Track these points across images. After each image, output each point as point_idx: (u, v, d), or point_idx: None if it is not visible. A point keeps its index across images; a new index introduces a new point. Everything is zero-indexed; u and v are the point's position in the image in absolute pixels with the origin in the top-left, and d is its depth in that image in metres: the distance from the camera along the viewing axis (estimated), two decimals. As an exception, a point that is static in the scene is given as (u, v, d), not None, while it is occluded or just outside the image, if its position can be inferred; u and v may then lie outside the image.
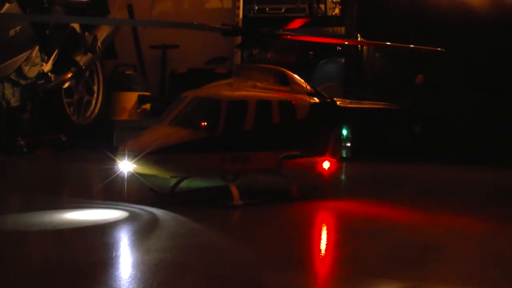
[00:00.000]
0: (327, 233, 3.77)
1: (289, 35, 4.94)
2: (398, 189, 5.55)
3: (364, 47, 8.51)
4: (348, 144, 8.02)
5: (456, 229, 3.73)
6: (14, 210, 4.17)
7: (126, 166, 4.03)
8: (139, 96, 10.03)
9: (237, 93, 4.41)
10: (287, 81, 4.78)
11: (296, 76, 4.89)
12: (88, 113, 9.42)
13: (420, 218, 4.11)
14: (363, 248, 3.22)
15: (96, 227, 3.53)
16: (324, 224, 4.12)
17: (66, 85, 8.59)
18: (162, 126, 4.24)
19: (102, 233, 3.38)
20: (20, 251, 3.04)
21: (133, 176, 4.15)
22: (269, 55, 9.87)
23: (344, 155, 7.85)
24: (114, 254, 2.94)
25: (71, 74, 8.43)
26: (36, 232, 3.42)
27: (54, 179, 5.88)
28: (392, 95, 5.92)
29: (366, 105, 5.42)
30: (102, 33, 9.06)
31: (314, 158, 4.58)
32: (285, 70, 4.87)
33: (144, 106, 10.08)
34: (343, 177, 6.29)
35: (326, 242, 3.49)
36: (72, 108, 8.96)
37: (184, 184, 4.62)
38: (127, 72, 10.18)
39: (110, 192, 4.66)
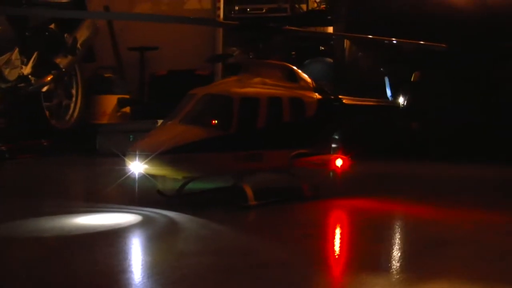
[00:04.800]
0: (352, 232, 3.65)
1: (295, 31, 4.83)
2: (404, 186, 5.45)
3: (348, 46, 8.48)
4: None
5: (475, 225, 3.63)
6: (11, 218, 3.86)
7: (137, 167, 3.85)
8: (118, 99, 9.82)
9: (248, 89, 4.27)
10: (294, 77, 4.67)
11: (302, 72, 4.79)
12: (67, 117, 9.15)
13: (440, 214, 4.01)
14: (389, 246, 3.11)
15: (115, 232, 3.34)
16: (344, 223, 4.00)
17: (45, 88, 8.33)
18: (173, 125, 4.05)
19: (127, 238, 3.20)
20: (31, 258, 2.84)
21: (135, 178, 3.95)
22: (251, 56, 9.74)
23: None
24: (146, 260, 2.78)
25: (52, 77, 8.17)
26: (42, 238, 3.21)
27: (48, 184, 5.61)
28: (383, 93, 5.86)
29: (367, 102, 5.34)
30: (82, 34, 8.82)
31: (327, 155, 4.46)
32: (291, 66, 4.76)
33: (124, 109, 9.87)
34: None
35: (353, 241, 3.36)
36: (51, 112, 8.69)
37: (188, 186, 4.44)
38: (106, 75, 9.93)
39: (119, 195, 4.47)
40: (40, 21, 7.99)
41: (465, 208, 4.21)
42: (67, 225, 3.50)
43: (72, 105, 9.22)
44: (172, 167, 3.88)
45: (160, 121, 7.88)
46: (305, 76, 4.78)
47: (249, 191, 4.13)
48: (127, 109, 9.89)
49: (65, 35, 8.46)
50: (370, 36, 5.44)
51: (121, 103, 9.81)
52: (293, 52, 9.81)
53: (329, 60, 9.06)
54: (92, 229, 3.40)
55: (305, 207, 4.22)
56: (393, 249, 3.07)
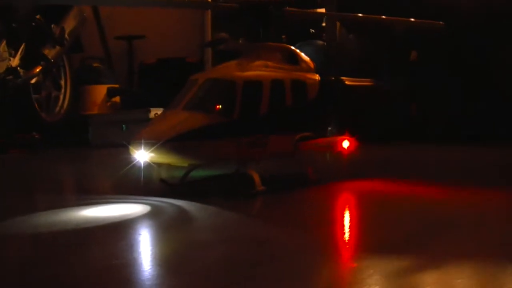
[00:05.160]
0: (360, 216, 3.58)
1: (296, 13, 4.76)
2: (404, 169, 5.37)
3: (339, 28, 8.40)
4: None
5: (480, 208, 3.58)
6: (19, 213, 3.75)
7: (142, 155, 3.75)
8: (108, 89, 9.68)
9: (251, 73, 4.17)
10: (295, 59, 4.59)
11: (302, 54, 4.71)
12: (57, 109, 8.97)
13: (446, 196, 3.95)
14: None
15: (125, 224, 3.25)
16: (352, 207, 3.93)
17: (34, 80, 8.17)
18: (176, 112, 3.93)
19: (136, 230, 3.12)
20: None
21: (140, 167, 3.85)
22: (240, 41, 9.64)
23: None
24: (157, 252, 2.70)
25: (41, 68, 8.02)
26: (51, 232, 3.11)
27: (50, 179, 5.44)
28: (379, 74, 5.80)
29: (366, 82, 5.27)
30: (69, 24, 8.66)
31: (333, 137, 4.39)
32: (292, 47, 4.68)
33: (114, 99, 9.74)
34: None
35: (363, 225, 3.30)
36: (40, 105, 8.52)
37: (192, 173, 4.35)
38: (94, 65, 9.79)
39: (126, 185, 4.37)
40: (26, 12, 7.82)
41: (469, 191, 4.14)
42: (75, 218, 3.41)
43: (61, 96, 9.04)
44: (177, 155, 3.77)
45: (152, 110, 7.84)
46: (306, 57, 4.70)
47: (256, 177, 4.04)
48: (117, 99, 9.76)
49: (52, 25, 8.30)
50: (370, 16, 5.38)
51: (110, 93, 9.67)
52: (284, 36, 9.71)
53: (320, 42, 8.98)
54: (99, 222, 3.30)
55: (312, 192, 4.16)
56: (404, 232, 3.01)
